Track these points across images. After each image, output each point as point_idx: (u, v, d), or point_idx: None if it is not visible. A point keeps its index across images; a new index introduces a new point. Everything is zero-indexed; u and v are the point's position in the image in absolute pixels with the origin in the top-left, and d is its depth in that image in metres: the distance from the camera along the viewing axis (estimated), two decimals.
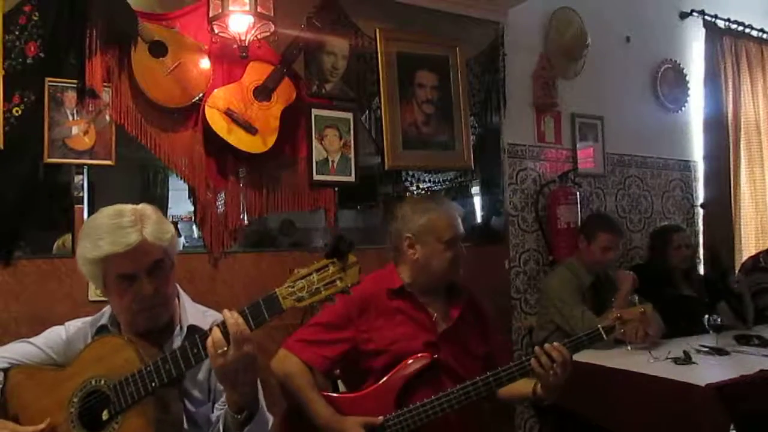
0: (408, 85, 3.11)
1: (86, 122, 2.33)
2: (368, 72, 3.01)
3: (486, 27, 3.42)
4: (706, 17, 4.42)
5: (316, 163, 2.79)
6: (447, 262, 2.02)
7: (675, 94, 4.33)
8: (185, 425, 1.47)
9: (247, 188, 2.65)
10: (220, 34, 2.51)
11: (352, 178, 2.89)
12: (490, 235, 3.47)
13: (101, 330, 1.57)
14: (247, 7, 2.41)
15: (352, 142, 2.90)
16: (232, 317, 1.32)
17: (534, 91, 3.63)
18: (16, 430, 1.41)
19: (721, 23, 4.48)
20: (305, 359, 1.92)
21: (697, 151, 4.42)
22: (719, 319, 2.86)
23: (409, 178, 3.17)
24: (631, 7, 4.13)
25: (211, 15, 2.47)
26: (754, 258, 3.83)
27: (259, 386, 1.45)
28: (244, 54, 2.50)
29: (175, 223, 2.57)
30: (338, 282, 1.29)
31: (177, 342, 1.52)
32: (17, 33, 2.23)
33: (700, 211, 4.38)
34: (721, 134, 4.37)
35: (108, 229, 1.42)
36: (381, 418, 1.82)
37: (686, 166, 4.38)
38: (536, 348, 1.85)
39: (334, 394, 1.97)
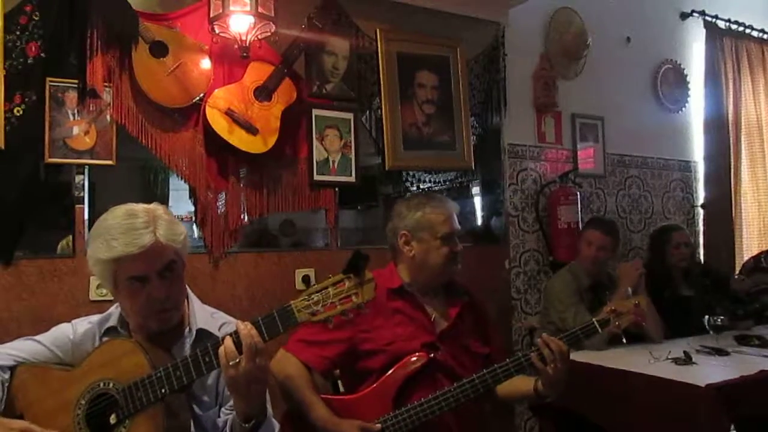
0: (408, 86, 3.11)
1: (87, 122, 2.33)
2: (369, 72, 3.01)
3: (486, 27, 3.42)
4: (707, 17, 4.42)
5: (317, 163, 2.80)
6: (443, 258, 2.01)
7: (675, 95, 4.34)
8: (192, 429, 1.47)
9: (247, 188, 2.65)
10: (220, 34, 2.51)
11: (352, 179, 2.89)
12: (490, 235, 3.47)
13: (110, 332, 1.56)
14: (247, 8, 2.41)
15: (353, 142, 2.90)
16: (246, 328, 1.31)
17: (534, 91, 3.63)
18: (29, 429, 1.39)
19: (721, 23, 4.48)
20: (304, 360, 1.92)
21: (697, 151, 4.43)
22: (719, 320, 2.86)
23: (409, 179, 3.17)
24: (631, 8, 4.13)
25: (211, 15, 2.47)
26: (756, 258, 3.83)
27: (267, 396, 1.45)
28: (244, 54, 2.50)
29: None
30: (354, 297, 1.30)
31: (186, 344, 1.52)
32: (18, 33, 2.23)
33: (701, 212, 4.39)
34: (722, 135, 4.37)
35: (121, 229, 1.41)
36: (379, 425, 1.82)
37: (687, 166, 4.39)
38: (538, 339, 1.85)
39: (332, 396, 1.97)
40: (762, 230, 4.53)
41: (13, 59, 2.21)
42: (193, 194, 2.56)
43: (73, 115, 2.31)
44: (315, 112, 2.81)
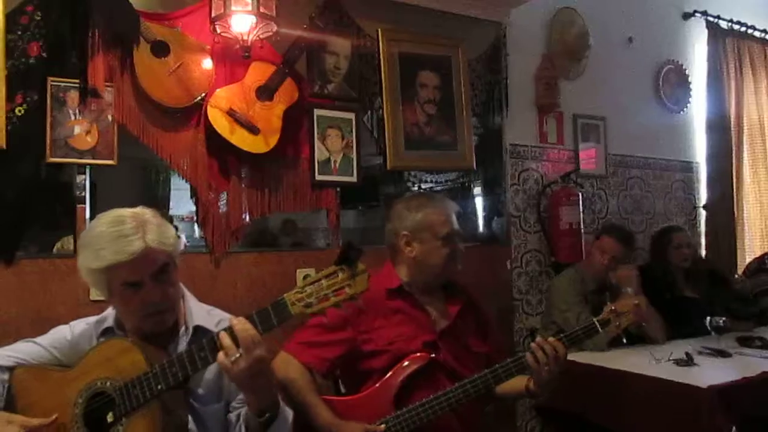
0: (410, 86, 3.10)
1: (88, 122, 2.33)
2: (370, 72, 3.01)
3: (488, 27, 3.42)
4: (709, 18, 4.41)
5: (318, 163, 2.79)
6: (444, 258, 2.02)
7: (677, 95, 4.33)
8: (193, 425, 1.47)
9: (249, 188, 2.64)
10: (222, 34, 2.51)
11: (354, 179, 2.89)
12: (491, 235, 3.47)
13: (106, 332, 1.57)
14: (249, 7, 2.41)
15: (354, 142, 2.90)
16: (240, 323, 1.31)
17: (536, 91, 3.62)
18: (25, 422, 1.41)
19: (723, 24, 4.47)
20: (305, 362, 1.92)
21: (699, 152, 4.42)
22: (721, 321, 2.86)
23: (411, 179, 3.17)
24: (633, 8, 4.12)
25: (213, 15, 2.47)
26: (759, 260, 3.83)
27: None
28: (246, 54, 2.50)
29: (174, 224, 2.58)
30: (347, 289, 1.29)
31: (183, 343, 1.52)
32: (19, 33, 2.22)
33: (703, 213, 4.38)
34: (724, 135, 4.36)
35: (109, 238, 1.41)
36: (383, 426, 1.82)
37: (688, 167, 4.38)
38: (532, 343, 1.86)
39: (333, 397, 1.97)
40: (764, 231, 4.52)
41: (14, 59, 2.21)
42: (194, 194, 2.56)
43: (75, 114, 2.30)
44: (316, 112, 2.81)
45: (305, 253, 2.81)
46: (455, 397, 1.84)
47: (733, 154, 4.41)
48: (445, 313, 2.06)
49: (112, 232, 1.42)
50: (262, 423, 1.38)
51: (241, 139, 2.53)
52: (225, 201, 2.59)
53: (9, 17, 2.20)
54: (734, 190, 4.40)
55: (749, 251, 4.41)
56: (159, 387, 1.35)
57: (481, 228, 3.46)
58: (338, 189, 2.87)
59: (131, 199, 1.53)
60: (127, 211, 1.48)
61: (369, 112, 3.01)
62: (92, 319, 1.62)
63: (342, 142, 2.87)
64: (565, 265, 3.33)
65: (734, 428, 2.26)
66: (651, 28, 4.21)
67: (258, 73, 2.61)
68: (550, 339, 1.85)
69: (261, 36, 2.53)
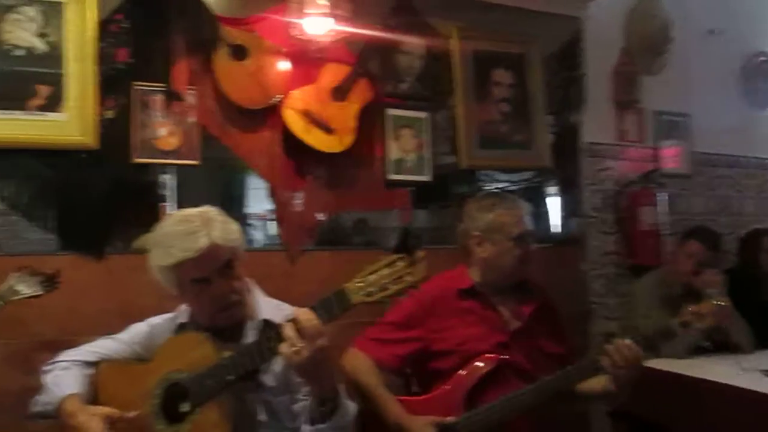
0: (484, 84, 3.07)
1: (172, 124, 2.43)
2: (444, 71, 3.00)
3: (564, 22, 3.33)
4: None
5: (392, 162, 2.81)
6: (516, 259, 1.99)
7: None
8: (264, 415, 1.53)
9: (323, 187, 2.69)
10: (297, 36, 2.57)
11: (427, 178, 2.89)
12: (566, 236, 3.38)
13: (182, 327, 1.65)
14: (324, 10, 2.46)
15: (428, 141, 2.90)
16: (303, 313, 1.35)
17: (615, 87, 3.51)
18: (110, 414, 1.49)
19: None
20: (376, 358, 1.94)
21: None
22: None
23: (483, 178, 3.14)
24: None
25: (289, 18, 2.53)
26: None
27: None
28: (321, 55, 2.55)
29: (250, 222, 2.65)
30: (407, 277, 1.30)
31: (251, 336, 1.58)
32: (110, 40, 2.36)
33: None
34: None
35: (177, 236, 1.49)
36: (453, 417, 1.82)
37: None
38: (608, 346, 1.80)
39: (403, 397, 1.98)
40: None
41: (105, 65, 2.34)
42: (271, 193, 2.63)
43: (159, 117, 2.42)
44: (390, 111, 2.82)
45: (377, 253, 2.82)
46: (527, 398, 1.82)
47: None
48: (518, 313, 2.04)
49: (180, 231, 1.50)
50: (325, 412, 1.41)
51: (316, 139, 2.58)
52: (300, 200, 2.65)
53: (101, 26, 2.33)
54: None
55: None
56: (229, 378, 1.40)
57: (555, 228, 3.39)
58: (411, 188, 2.87)
59: (210, 198, 1.59)
60: (193, 211, 1.57)
61: (442, 111, 3.00)
62: (167, 315, 1.72)
63: (415, 142, 2.87)
64: (644, 268, 3.21)
65: None
66: (739, 18, 3.99)
67: (332, 73, 2.65)
68: (626, 341, 1.79)
69: (335, 37, 2.57)
